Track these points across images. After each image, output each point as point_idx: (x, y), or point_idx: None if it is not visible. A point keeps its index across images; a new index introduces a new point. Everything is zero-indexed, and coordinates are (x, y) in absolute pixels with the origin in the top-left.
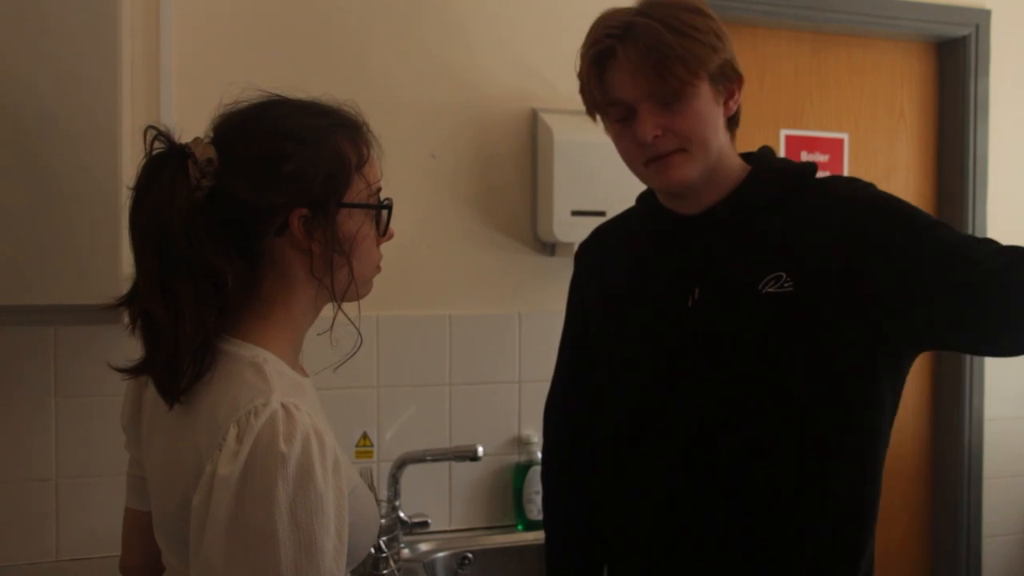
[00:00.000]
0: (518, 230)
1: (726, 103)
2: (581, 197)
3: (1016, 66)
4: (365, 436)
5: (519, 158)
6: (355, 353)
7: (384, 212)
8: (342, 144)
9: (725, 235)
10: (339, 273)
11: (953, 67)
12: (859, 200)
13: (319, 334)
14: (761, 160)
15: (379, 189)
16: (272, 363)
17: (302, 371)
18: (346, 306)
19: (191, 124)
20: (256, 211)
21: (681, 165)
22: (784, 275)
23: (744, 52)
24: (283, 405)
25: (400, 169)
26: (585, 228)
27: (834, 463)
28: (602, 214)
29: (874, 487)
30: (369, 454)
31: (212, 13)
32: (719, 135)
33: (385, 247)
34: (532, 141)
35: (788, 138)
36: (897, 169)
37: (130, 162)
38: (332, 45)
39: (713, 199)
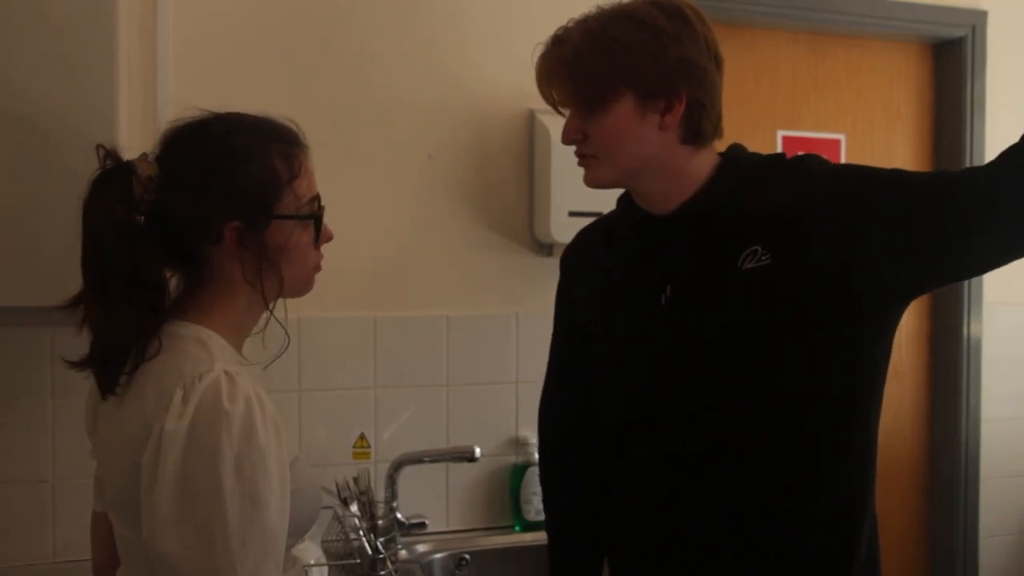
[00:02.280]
0: (515, 231)
1: (662, 116)
2: (578, 198)
3: (1012, 67)
4: (362, 437)
5: (516, 159)
6: (282, 354)
7: (316, 220)
8: (274, 160)
9: (696, 230)
10: (269, 280)
11: (950, 68)
12: (819, 172)
13: (250, 336)
14: (730, 155)
15: (313, 198)
16: (215, 339)
17: (244, 359)
18: (280, 307)
19: None
20: (192, 224)
21: (592, 168)
22: (759, 248)
23: (742, 53)
24: (226, 372)
25: (397, 170)
26: None
27: (824, 457)
28: (599, 215)
29: (866, 481)
30: (366, 455)
31: (210, 13)
32: (642, 148)
33: (384, 248)
34: (529, 141)
35: (785, 139)
36: None
37: None
38: (330, 45)
39: (682, 199)
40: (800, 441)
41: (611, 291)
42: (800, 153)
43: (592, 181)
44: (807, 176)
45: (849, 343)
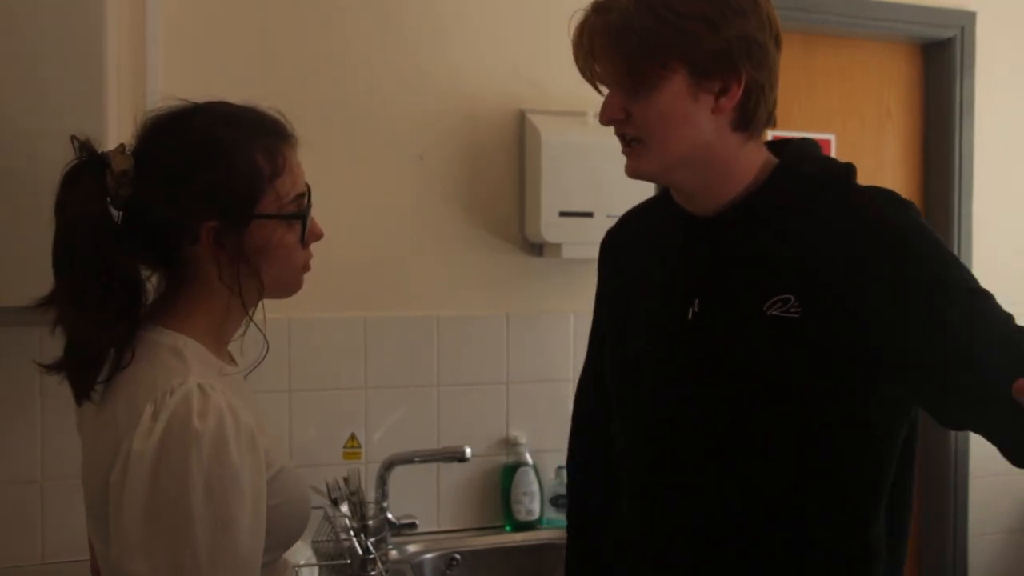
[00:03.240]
0: (506, 231)
1: (717, 99)
2: (569, 198)
3: (1001, 67)
4: (353, 437)
5: (507, 159)
6: (261, 362)
7: (302, 219)
8: (256, 155)
9: (733, 242)
10: (248, 283)
11: (939, 68)
12: (889, 230)
13: (231, 341)
14: (790, 158)
15: (299, 195)
16: (192, 347)
17: (230, 359)
18: (268, 309)
19: None
20: (168, 222)
21: (635, 156)
22: (792, 298)
23: None
24: (199, 385)
25: (389, 170)
26: (572, 228)
27: (833, 459)
28: (590, 215)
29: (878, 492)
30: (357, 455)
31: (203, 14)
32: (693, 134)
33: (375, 249)
34: (520, 142)
35: (776, 139)
36: (884, 169)
37: None
38: (323, 45)
39: (726, 199)
40: (807, 442)
41: (639, 290)
42: (885, 190)
43: (633, 171)
44: (878, 221)
45: (870, 405)
